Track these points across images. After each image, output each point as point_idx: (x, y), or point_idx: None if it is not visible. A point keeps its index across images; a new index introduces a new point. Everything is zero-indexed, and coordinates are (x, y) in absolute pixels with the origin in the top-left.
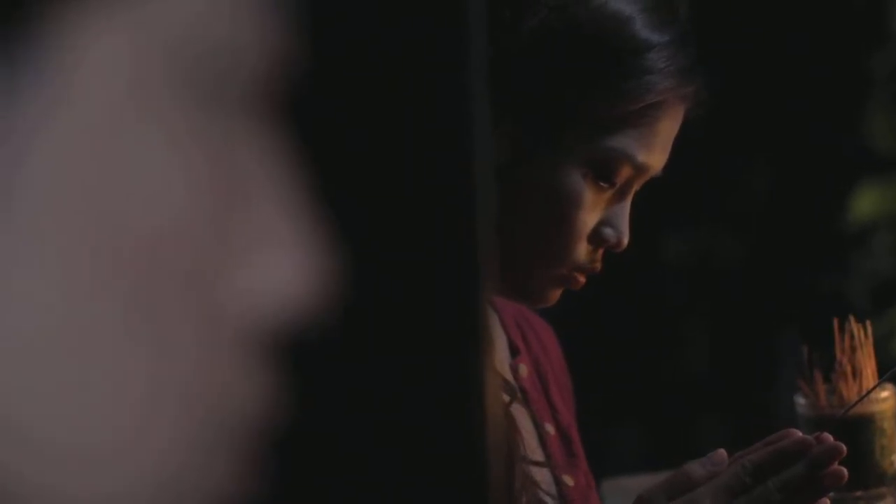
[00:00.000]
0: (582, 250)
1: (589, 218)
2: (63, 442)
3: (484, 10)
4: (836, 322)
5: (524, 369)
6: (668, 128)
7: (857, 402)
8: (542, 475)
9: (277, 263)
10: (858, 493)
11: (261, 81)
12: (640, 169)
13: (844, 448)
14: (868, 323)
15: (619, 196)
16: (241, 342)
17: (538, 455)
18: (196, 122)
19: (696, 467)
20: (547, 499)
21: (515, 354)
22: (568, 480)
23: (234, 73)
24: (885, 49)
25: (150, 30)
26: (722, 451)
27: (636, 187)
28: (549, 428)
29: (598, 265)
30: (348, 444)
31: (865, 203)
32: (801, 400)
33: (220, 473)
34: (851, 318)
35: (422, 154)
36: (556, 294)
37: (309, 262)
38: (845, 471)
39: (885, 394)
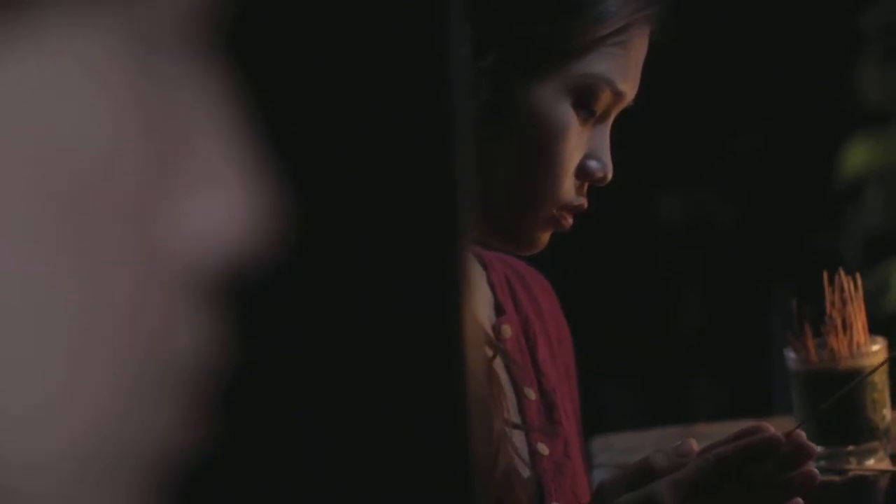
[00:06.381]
0: (569, 186)
1: (575, 151)
2: None
3: None
4: (825, 275)
5: (507, 331)
6: (639, 52)
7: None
8: (517, 439)
9: (219, 203)
10: (850, 448)
11: (200, 19)
12: (618, 95)
13: (816, 448)
14: (858, 276)
15: (599, 127)
16: (181, 284)
17: (514, 418)
18: (129, 63)
19: (659, 458)
20: (519, 464)
21: (500, 314)
22: (542, 449)
23: (171, 14)
24: (876, 4)
25: None
26: (690, 442)
27: (612, 117)
28: (530, 392)
29: (585, 202)
30: (303, 389)
31: (857, 157)
32: (791, 355)
33: (163, 422)
34: (841, 272)
35: (389, 86)
36: (545, 238)
37: (252, 201)
38: (817, 473)
39: (875, 347)
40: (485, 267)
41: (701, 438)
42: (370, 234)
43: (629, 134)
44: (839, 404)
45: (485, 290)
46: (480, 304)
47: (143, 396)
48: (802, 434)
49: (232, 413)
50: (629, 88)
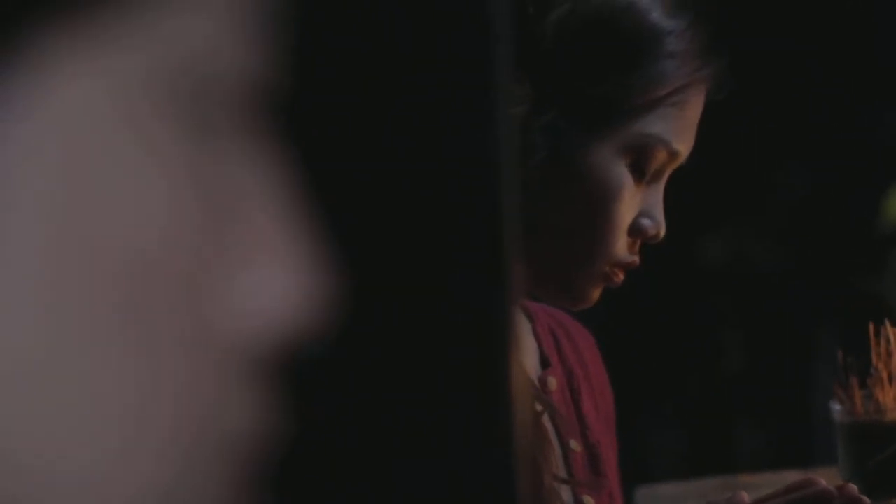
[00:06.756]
0: (623, 244)
1: (629, 209)
2: (52, 464)
3: (506, 6)
4: (871, 327)
5: (553, 382)
6: (695, 111)
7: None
8: (564, 493)
9: (271, 279)
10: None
11: (252, 95)
12: (673, 155)
13: (868, 502)
14: None
15: (653, 186)
16: (233, 360)
17: (561, 472)
18: (183, 139)
19: None
20: None
21: (546, 366)
22: (588, 501)
23: (222, 89)
24: None
25: (134, 50)
26: (742, 495)
27: (666, 176)
28: (575, 445)
29: (637, 259)
30: (355, 464)
31: None
32: (836, 406)
33: (212, 495)
34: (887, 324)
35: (439, 155)
36: (596, 293)
37: (305, 277)
38: None
39: None
40: (530, 318)
41: (746, 489)
42: (415, 292)
43: (674, 180)
44: (884, 458)
45: (530, 341)
46: (528, 357)
47: (194, 471)
48: (854, 487)
49: (285, 485)
50: (684, 148)
